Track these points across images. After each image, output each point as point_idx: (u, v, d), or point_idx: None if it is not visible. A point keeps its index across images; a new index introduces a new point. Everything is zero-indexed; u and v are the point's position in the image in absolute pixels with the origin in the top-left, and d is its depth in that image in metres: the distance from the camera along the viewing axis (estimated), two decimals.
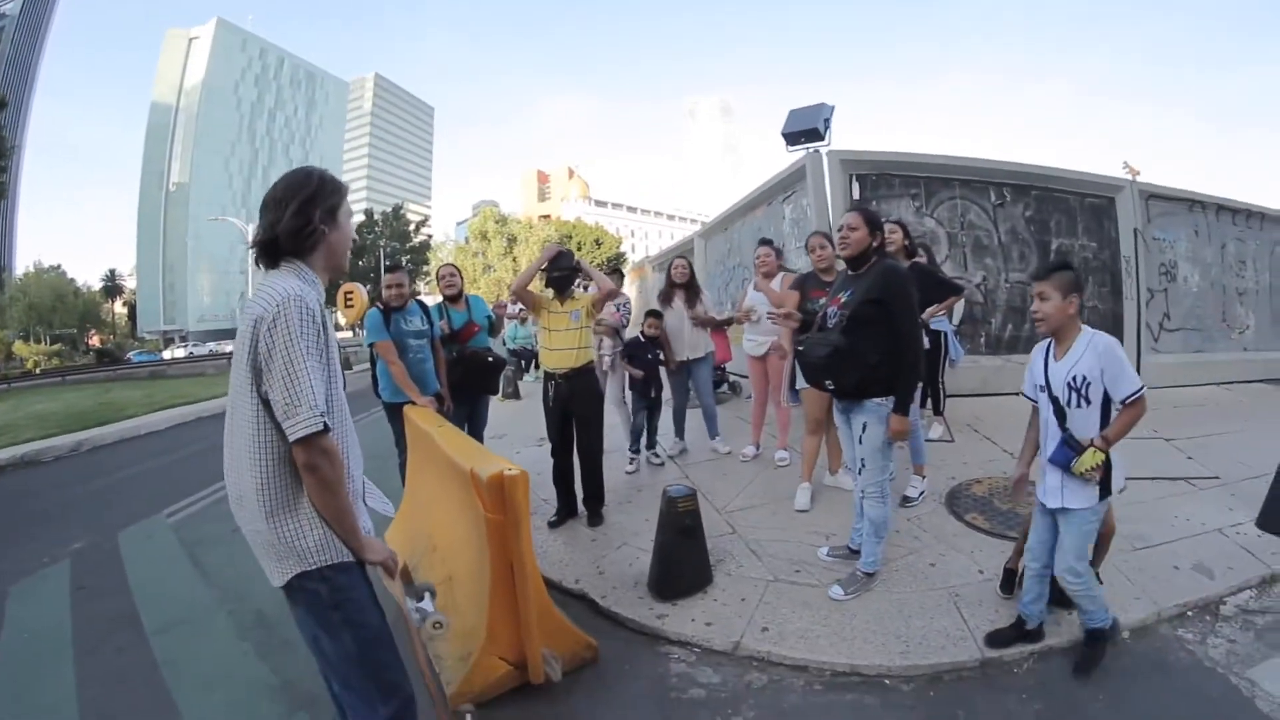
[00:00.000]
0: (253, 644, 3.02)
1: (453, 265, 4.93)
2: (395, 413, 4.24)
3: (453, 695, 2.29)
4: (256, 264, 1.59)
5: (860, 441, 2.97)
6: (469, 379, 4.55)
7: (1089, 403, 2.25)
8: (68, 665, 2.96)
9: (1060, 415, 2.30)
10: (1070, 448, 2.26)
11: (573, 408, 4.04)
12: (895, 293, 2.83)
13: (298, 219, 1.50)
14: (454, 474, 2.78)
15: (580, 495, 4.22)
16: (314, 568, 1.50)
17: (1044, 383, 2.36)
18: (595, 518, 4.12)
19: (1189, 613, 2.74)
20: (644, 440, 5.12)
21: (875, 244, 2.95)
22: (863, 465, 3.00)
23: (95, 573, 4.10)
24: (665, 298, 5.29)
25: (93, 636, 3.23)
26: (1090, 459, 2.21)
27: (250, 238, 1.58)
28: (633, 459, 5.07)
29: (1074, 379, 2.26)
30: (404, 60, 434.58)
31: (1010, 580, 2.88)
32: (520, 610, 2.37)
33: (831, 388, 2.99)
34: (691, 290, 5.28)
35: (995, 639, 2.57)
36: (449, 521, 3.06)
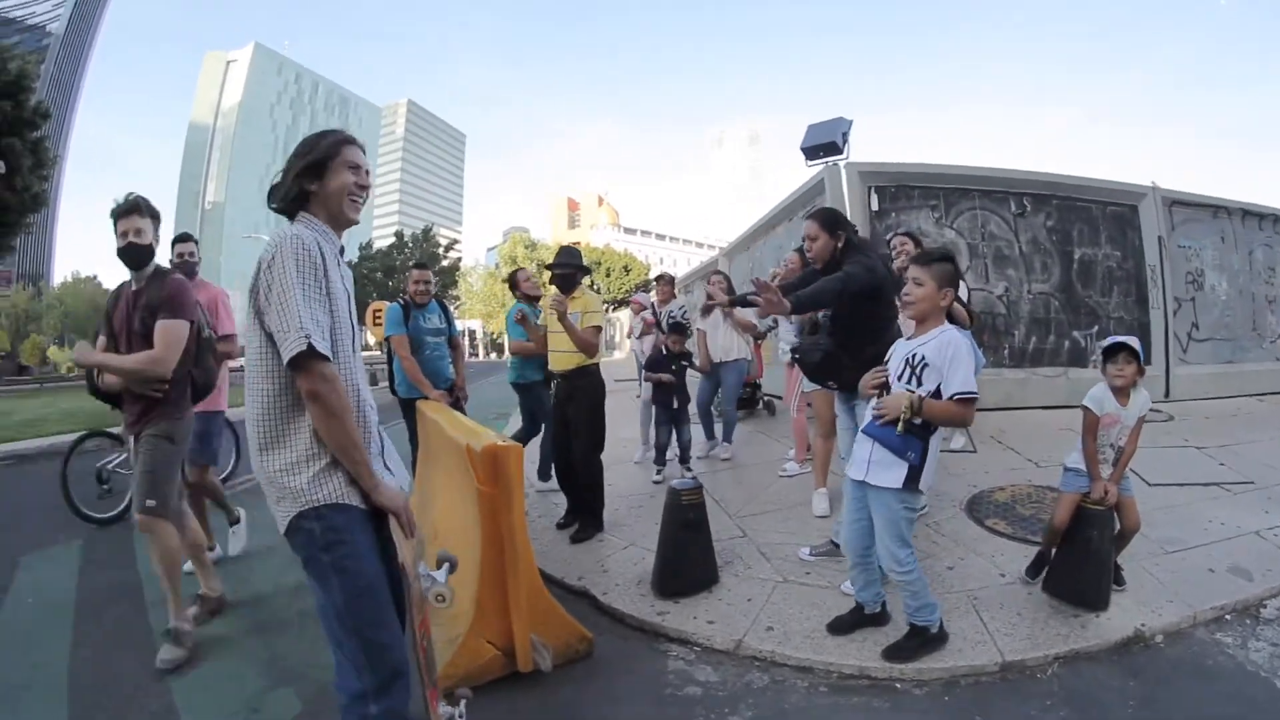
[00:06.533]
0: (248, 620, 2.99)
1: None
2: (409, 408, 4.28)
3: (438, 679, 2.20)
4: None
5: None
6: None
7: (920, 384, 2.23)
8: (67, 628, 3.02)
9: (885, 388, 2.32)
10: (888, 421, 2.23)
11: (568, 410, 3.85)
12: (853, 274, 2.77)
13: (281, 183, 1.63)
14: (454, 454, 2.74)
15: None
16: (309, 507, 1.46)
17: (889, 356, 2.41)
18: (583, 531, 3.76)
19: (1227, 616, 2.61)
20: (675, 456, 4.96)
21: (839, 244, 2.92)
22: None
23: (107, 547, 4.20)
24: (706, 310, 5.56)
25: (95, 604, 3.29)
26: (897, 402, 2.18)
27: None
28: (659, 470, 4.90)
29: (913, 356, 2.27)
30: (437, 87, 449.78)
31: (1040, 563, 2.82)
32: (509, 588, 2.28)
33: (834, 387, 3.03)
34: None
35: (836, 626, 2.56)
36: (450, 507, 3.02)
